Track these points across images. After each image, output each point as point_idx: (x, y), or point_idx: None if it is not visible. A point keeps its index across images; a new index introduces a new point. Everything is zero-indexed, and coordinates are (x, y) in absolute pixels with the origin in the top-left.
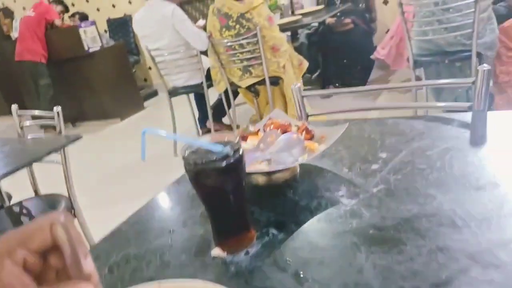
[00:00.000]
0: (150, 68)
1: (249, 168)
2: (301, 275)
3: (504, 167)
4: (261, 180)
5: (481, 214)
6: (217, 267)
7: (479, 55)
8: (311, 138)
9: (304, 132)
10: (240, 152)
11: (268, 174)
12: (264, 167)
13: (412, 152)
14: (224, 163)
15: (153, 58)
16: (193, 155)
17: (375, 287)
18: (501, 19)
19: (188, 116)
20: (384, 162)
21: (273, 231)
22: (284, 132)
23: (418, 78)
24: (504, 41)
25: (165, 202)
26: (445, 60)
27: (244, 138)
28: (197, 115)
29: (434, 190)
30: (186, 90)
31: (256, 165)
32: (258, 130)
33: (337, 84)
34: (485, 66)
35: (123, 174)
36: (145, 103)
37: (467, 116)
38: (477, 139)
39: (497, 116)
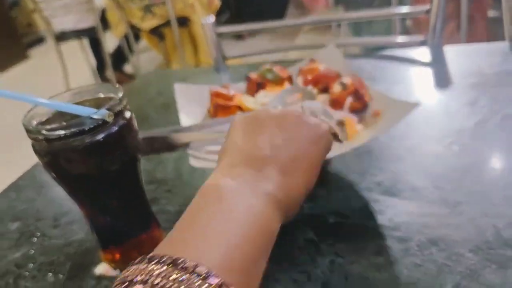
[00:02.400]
0: (34, 10)
1: None
2: None
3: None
4: None
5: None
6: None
7: None
8: (363, 108)
9: (351, 98)
10: (127, 116)
11: None
12: None
13: None
14: (101, 136)
15: None
16: (47, 124)
17: None
18: None
19: (82, 66)
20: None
21: None
22: (323, 89)
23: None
24: None
25: (27, 190)
26: None
27: (261, 85)
28: (95, 65)
29: (409, 156)
30: (77, 34)
31: None
32: (289, 77)
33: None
34: None
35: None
36: (30, 52)
37: (418, 52)
38: (441, 77)
39: (451, 50)
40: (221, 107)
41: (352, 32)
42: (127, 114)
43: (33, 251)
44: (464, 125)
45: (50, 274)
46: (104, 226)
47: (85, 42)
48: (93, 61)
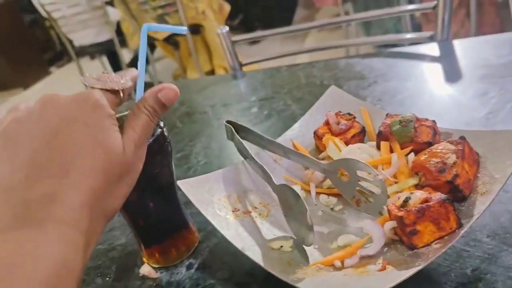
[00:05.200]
0: (51, 27)
1: None
2: None
3: (491, 94)
4: None
5: None
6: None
7: None
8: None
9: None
10: (161, 125)
11: None
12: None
13: (379, 98)
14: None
15: (49, 14)
16: None
17: None
18: None
19: None
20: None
21: (220, 233)
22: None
23: (346, 14)
24: None
25: None
26: None
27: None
28: None
29: None
30: (96, 48)
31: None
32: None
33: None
34: None
35: None
36: (51, 68)
37: (427, 48)
38: (450, 72)
39: (459, 44)
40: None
41: (362, 29)
42: (161, 123)
43: None
44: (475, 116)
45: (98, 277)
46: (145, 227)
47: (104, 59)
48: None
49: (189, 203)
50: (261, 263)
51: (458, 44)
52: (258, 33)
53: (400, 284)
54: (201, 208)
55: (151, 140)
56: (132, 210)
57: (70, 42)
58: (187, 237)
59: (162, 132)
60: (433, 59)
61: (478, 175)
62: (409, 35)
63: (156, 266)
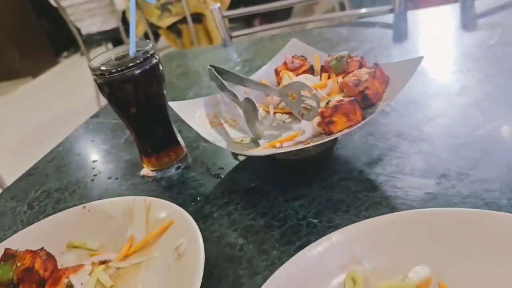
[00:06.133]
0: (59, 15)
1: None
2: (237, 179)
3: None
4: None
5: (407, 98)
6: (147, 184)
7: None
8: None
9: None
10: (156, 58)
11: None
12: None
13: None
14: (141, 69)
15: (58, 3)
16: (102, 65)
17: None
18: None
19: None
20: None
21: (203, 144)
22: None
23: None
24: None
25: (84, 135)
26: None
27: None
28: None
29: None
30: (103, 36)
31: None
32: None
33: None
34: None
35: (43, 134)
36: (60, 57)
37: (389, 18)
38: (400, 37)
39: (415, 14)
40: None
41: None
42: (157, 56)
43: (93, 170)
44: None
45: (108, 179)
46: (146, 141)
47: (110, 47)
48: None
49: (178, 122)
50: (226, 147)
51: (413, 15)
52: (257, 28)
53: (323, 162)
54: (186, 119)
55: (148, 67)
56: (135, 124)
57: (78, 30)
58: (176, 149)
59: (157, 62)
60: (386, 26)
61: (386, 90)
62: (373, 9)
63: (152, 169)
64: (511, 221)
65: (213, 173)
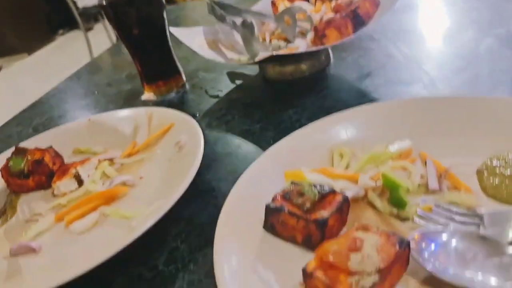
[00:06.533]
0: None
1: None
2: (234, 98)
3: None
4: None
5: (397, 27)
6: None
7: None
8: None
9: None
10: None
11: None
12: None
13: None
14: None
15: None
16: None
17: None
18: None
19: (104, 38)
20: None
21: (202, 74)
22: None
23: None
24: None
25: (86, 72)
26: None
27: None
28: (115, 36)
29: None
30: (99, 8)
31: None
32: None
33: None
34: None
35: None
36: (55, 35)
37: None
38: None
39: None
40: None
41: None
42: None
43: (95, 99)
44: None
45: (112, 105)
46: (148, 67)
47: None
48: (112, 34)
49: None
50: (223, 61)
51: None
52: None
53: (317, 81)
54: (186, 42)
55: None
56: (138, 49)
57: (74, 3)
58: (177, 77)
59: None
60: None
61: (377, 11)
62: None
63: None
64: (485, 102)
65: (211, 95)
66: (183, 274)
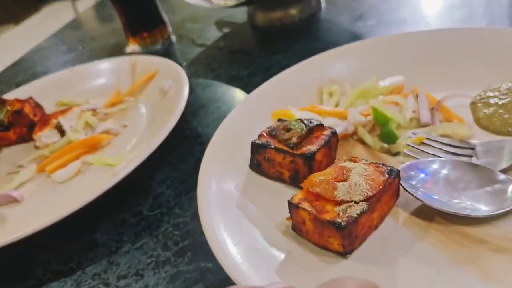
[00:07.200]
0: None
1: None
2: (221, 45)
3: None
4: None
5: None
6: None
7: None
8: None
9: None
10: None
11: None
12: None
13: None
14: None
15: None
16: None
17: None
18: None
19: None
20: None
21: (189, 25)
22: None
23: None
24: None
25: (70, 28)
26: None
27: None
28: None
29: None
30: None
31: None
32: None
33: None
34: None
35: None
36: (42, 2)
37: None
38: None
39: None
40: None
41: None
42: None
43: (80, 53)
44: None
45: (96, 56)
46: (132, 18)
47: None
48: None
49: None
50: (207, 6)
51: None
52: None
53: (307, 25)
54: None
55: None
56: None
57: None
58: (161, 28)
59: None
60: None
61: None
62: None
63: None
64: (479, 33)
65: (198, 43)
66: (169, 218)
